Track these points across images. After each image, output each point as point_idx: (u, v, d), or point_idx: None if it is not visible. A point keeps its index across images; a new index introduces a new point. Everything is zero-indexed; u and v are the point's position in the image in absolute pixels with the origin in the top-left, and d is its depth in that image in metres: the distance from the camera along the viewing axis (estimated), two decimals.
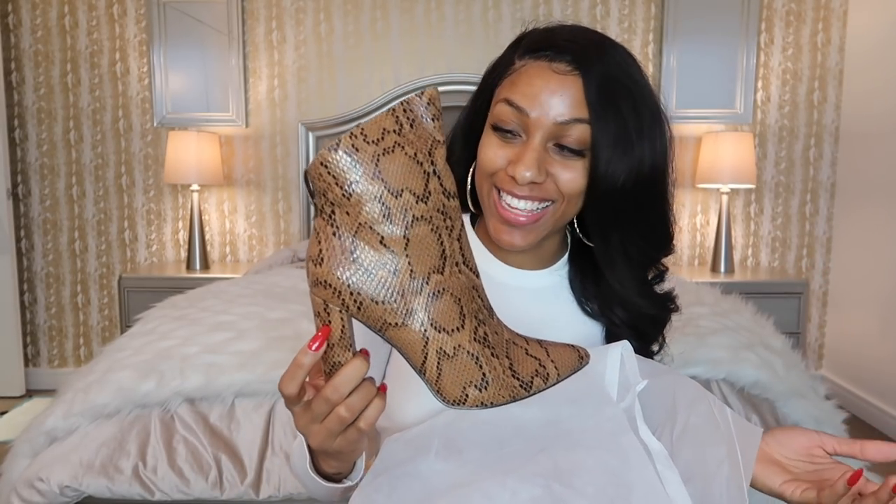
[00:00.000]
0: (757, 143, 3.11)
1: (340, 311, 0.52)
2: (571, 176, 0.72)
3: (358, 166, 0.50)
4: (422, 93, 0.52)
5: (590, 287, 0.83)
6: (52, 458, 1.28)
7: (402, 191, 0.51)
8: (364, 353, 0.54)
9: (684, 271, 3.04)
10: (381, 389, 0.56)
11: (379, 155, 0.50)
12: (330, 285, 0.51)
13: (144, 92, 3.16)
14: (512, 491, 0.57)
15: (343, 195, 0.50)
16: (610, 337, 0.83)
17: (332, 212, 0.51)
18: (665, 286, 0.86)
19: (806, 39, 3.09)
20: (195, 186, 3.00)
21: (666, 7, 3.03)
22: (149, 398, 1.35)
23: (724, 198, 2.95)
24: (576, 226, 0.80)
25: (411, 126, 0.52)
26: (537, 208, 0.74)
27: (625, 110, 0.71)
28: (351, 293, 0.51)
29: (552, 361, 0.57)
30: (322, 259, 0.51)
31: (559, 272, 0.85)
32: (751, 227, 3.19)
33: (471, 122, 0.82)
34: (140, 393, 1.35)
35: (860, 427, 2.74)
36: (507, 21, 3.09)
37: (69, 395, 1.39)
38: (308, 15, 3.12)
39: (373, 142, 0.50)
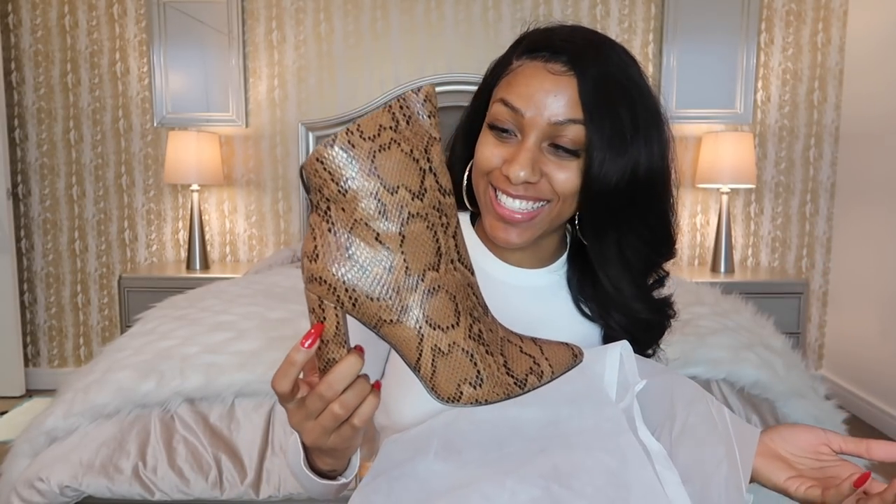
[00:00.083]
0: (757, 143, 3.11)
1: (335, 308, 0.52)
2: (566, 176, 0.72)
3: (354, 162, 0.50)
4: (418, 89, 0.52)
5: (587, 288, 0.83)
6: (52, 458, 1.28)
7: (398, 187, 0.51)
8: (358, 350, 0.54)
9: (684, 271, 3.04)
10: (376, 386, 0.56)
11: (375, 151, 0.50)
12: (325, 281, 0.51)
13: (144, 92, 3.16)
14: (511, 492, 0.57)
15: (339, 191, 0.50)
16: (608, 338, 0.83)
17: (328, 208, 0.51)
18: (663, 291, 0.85)
19: (806, 39, 3.09)
20: (195, 186, 3.00)
21: (666, 7, 3.03)
22: (149, 398, 1.35)
23: (724, 198, 2.95)
24: (576, 224, 0.80)
25: (407, 123, 0.52)
26: (532, 207, 0.74)
27: (620, 111, 0.71)
28: (346, 290, 0.51)
29: (546, 359, 0.57)
30: (317, 255, 0.51)
31: (558, 272, 0.85)
32: (751, 227, 3.19)
33: (470, 122, 0.82)
34: (140, 393, 1.35)
35: (860, 427, 2.74)
36: (507, 21, 3.09)
37: (69, 395, 1.39)
38: (308, 15, 3.12)
39: (369, 138, 0.50)
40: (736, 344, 1.53)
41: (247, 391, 1.38)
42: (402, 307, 0.52)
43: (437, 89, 2.99)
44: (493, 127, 0.74)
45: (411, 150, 0.52)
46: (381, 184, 0.51)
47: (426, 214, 0.52)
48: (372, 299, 0.52)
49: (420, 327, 0.53)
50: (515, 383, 0.55)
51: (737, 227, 3.17)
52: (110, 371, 1.42)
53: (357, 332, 0.62)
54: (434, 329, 0.53)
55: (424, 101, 0.52)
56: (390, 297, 0.52)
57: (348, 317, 0.54)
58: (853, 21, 3.04)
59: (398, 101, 0.52)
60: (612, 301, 0.80)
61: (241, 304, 1.80)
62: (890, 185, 2.77)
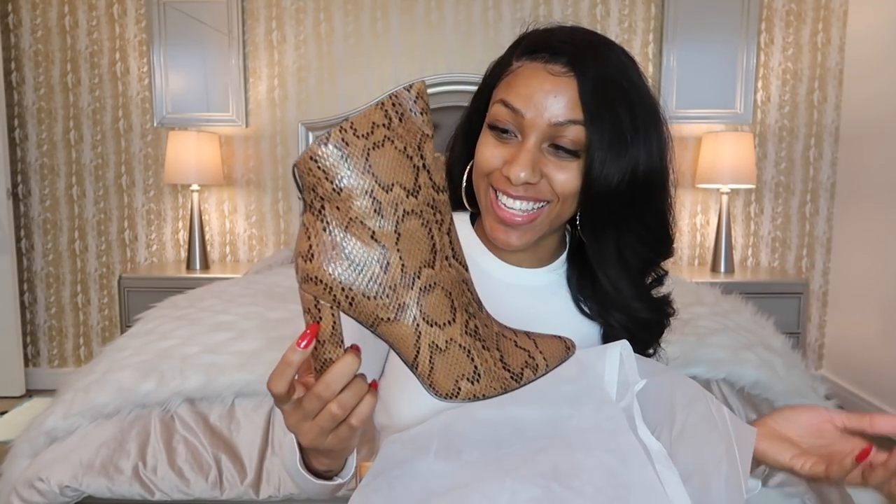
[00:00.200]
0: (757, 143, 3.11)
1: (331, 308, 0.52)
2: (566, 177, 0.73)
3: (348, 160, 0.49)
4: (410, 86, 0.52)
5: (587, 287, 0.83)
6: (52, 458, 1.28)
7: (393, 185, 0.51)
8: (355, 349, 0.53)
9: (684, 271, 3.04)
10: (373, 386, 0.56)
11: (369, 149, 0.50)
12: (321, 281, 0.51)
13: (144, 92, 3.16)
14: (511, 491, 0.57)
15: (333, 190, 0.50)
16: (607, 337, 0.83)
17: (322, 207, 0.50)
18: (662, 290, 0.86)
19: (806, 39, 3.09)
20: (195, 186, 3.00)
21: (666, 7, 3.03)
22: (149, 398, 1.35)
23: (724, 198, 2.95)
24: (577, 224, 0.81)
25: (400, 120, 0.51)
26: (533, 208, 0.74)
27: (620, 112, 0.71)
28: (342, 289, 0.51)
29: (541, 352, 0.58)
30: (312, 255, 0.51)
31: (557, 271, 0.86)
32: (751, 227, 3.19)
33: (470, 122, 0.82)
34: (140, 393, 1.35)
35: None
36: (507, 21, 3.09)
37: (69, 395, 1.39)
38: (308, 15, 3.12)
39: (362, 136, 0.50)
40: (736, 344, 1.53)
41: (247, 391, 1.38)
42: (399, 305, 0.52)
43: (438, 89, 3.00)
44: (493, 127, 0.74)
45: (405, 148, 0.52)
46: (375, 181, 0.50)
47: (421, 212, 0.52)
48: (369, 298, 0.51)
49: (417, 325, 0.53)
50: (512, 377, 0.56)
51: (737, 227, 3.17)
52: (110, 371, 1.42)
53: (355, 331, 0.62)
54: (431, 326, 0.53)
55: (416, 98, 0.52)
56: (387, 296, 0.52)
57: (344, 316, 0.53)
58: (853, 21, 3.04)
59: (390, 98, 0.51)
60: (612, 300, 0.80)
61: (241, 304, 1.80)
62: (890, 185, 2.77)
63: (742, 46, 3.03)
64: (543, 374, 0.57)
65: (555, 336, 0.60)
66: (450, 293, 0.54)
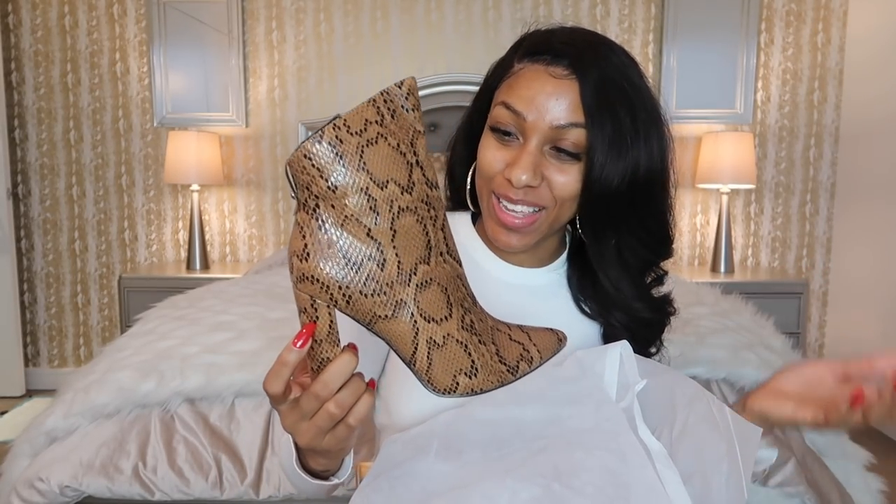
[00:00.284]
0: (757, 143, 3.11)
1: (328, 307, 0.51)
2: (566, 180, 0.73)
3: (343, 158, 0.49)
4: (401, 83, 0.52)
5: (587, 287, 0.84)
6: (52, 458, 1.28)
7: (388, 182, 0.51)
8: (352, 348, 0.53)
9: (684, 271, 3.04)
10: (370, 385, 0.56)
11: (363, 146, 0.50)
12: (317, 280, 0.50)
13: (144, 92, 3.16)
14: (512, 491, 0.57)
15: (328, 188, 0.49)
16: (607, 337, 0.83)
17: (317, 205, 0.50)
18: (662, 289, 0.86)
19: (806, 39, 3.09)
20: (195, 186, 3.00)
21: (666, 7, 3.03)
22: (149, 398, 1.35)
23: (724, 198, 2.95)
24: (577, 225, 0.81)
25: (392, 116, 0.51)
26: (532, 211, 0.74)
27: (621, 114, 0.71)
28: (339, 287, 0.51)
29: (534, 345, 0.58)
30: (308, 254, 0.50)
31: (558, 271, 0.86)
32: (751, 227, 3.19)
33: (471, 123, 0.82)
34: (140, 393, 1.35)
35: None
36: (507, 21, 3.09)
37: (69, 395, 1.39)
38: (308, 15, 3.12)
39: (356, 133, 0.50)
40: (736, 344, 1.53)
41: (247, 391, 1.38)
42: (396, 302, 0.52)
43: (438, 89, 3.00)
44: (495, 129, 0.75)
45: (398, 144, 0.51)
46: (370, 178, 0.50)
47: (415, 208, 0.52)
48: (366, 296, 0.51)
49: (415, 321, 0.53)
50: (508, 370, 0.56)
51: (737, 227, 3.17)
52: (110, 371, 1.42)
53: (354, 330, 0.62)
54: (428, 322, 0.53)
55: (408, 94, 0.52)
56: (384, 293, 0.52)
57: (340, 315, 0.53)
58: (853, 21, 3.04)
59: (382, 95, 0.51)
60: (613, 301, 0.81)
61: (241, 304, 1.80)
62: (890, 185, 2.77)
63: (742, 46, 3.03)
64: (538, 366, 0.58)
65: (547, 329, 0.61)
66: (445, 289, 0.54)
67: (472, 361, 0.55)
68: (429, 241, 0.53)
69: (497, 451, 0.63)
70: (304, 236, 0.50)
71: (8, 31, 3.12)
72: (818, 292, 3.20)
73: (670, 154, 0.77)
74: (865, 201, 2.94)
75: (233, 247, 3.26)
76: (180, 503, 1.28)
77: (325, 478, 0.68)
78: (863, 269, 2.95)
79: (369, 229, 0.51)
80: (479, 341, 0.55)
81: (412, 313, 0.53)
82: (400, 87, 0.52)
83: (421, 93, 3.01)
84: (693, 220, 3.20)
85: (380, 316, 0.52)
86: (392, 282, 0.52)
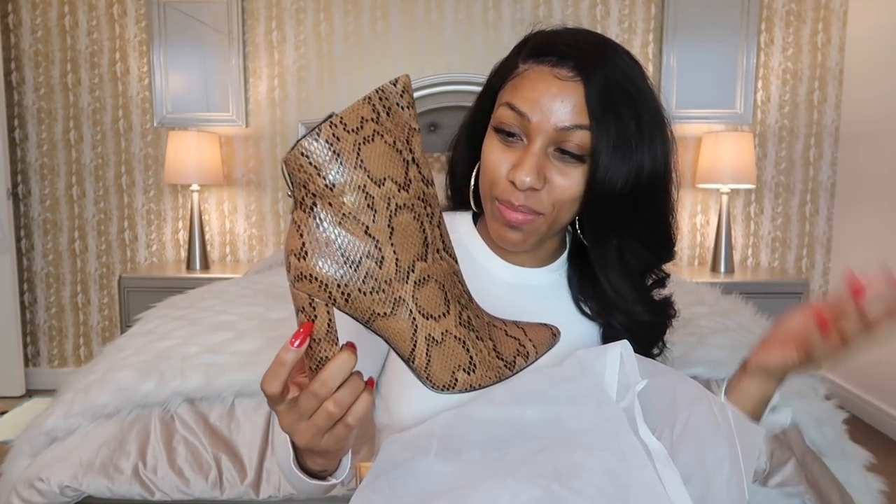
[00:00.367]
0: (757, 143, 3.11)
1: (327, 305, 0.51)
2: (567, 183, 0.73)
3: (340, 156, 0.49)
4: (395, 80, 0.52)
5: (587, 288, 0.84)
6: (52, 458, 1.28)
7: (385, 179, 0.51)
8: (351, 346, 0.53)
9: (684, 271, 3.04)
10: (369, 384, 0.55)
11: (360, 144, 0.50)
12: (316, 279, 0.50)
13: (144, 92, 3.16)
14: (512, 492, 0.57)
15: (326, 185, 0.49)
16: (607, 338, 0.83)
17: (314, 203, 0.50)
18: (664, 291, 0.86)
19: (806, 39, 3.09)
20: (195, 186, 3.00)
21: (666, 7, 3.03)
22: (149, 398, 1.35)
23: (724, 198, 2.95)
24: (577, 227, 0.81)
25: (388, 114, 0.51)
26: (528, 212, 0.74)
27: (625, 116, 0.71)
28: (338, 285, 0.50)
29: (530, 340, 0.59)
30: (306, 253, 0.50)
31: (558, 271, 0.86)
32: (751, 227, 3.19)
33: (474, 123, 0.82)
34: (140, 393, 1.35)
35: (860, 427, 2.74)
36: (507, 21, 3.09)
37: (69, 395, 1.39)
38: (308, 15, 3.12)
39: (352, 130, 0.50)
40: (736, 344, 1.53)
41: (247, 391, 1.38)
42: (395, 299, 0.52)
43: (438, 89, 3.00)
44: (499, 130, 0.74)
45: (394, 142, 0.51)
46: (367, 176, 0.50)
47: (412, 205, 0.52)
48: (365, 294, 0.51)
49: (413, 318, 0.53)
50: (505, 365, 0.56)
51: (737, 228, 3.17)
52: (110, 371, 1.42)
53: (352, 329, 0.62)
54: (427, 319, 0.53)
55: (402, 92, 0.52)
56: (383, 291, 0.52)
57: (337, 313, 0.53)
58: (853, 21, 3.04)
59: (377, 92, 0.51)
60: (613, 303, 0.81)
61: (241, 304, 1.80)
62: (890, 185, 2.77)
63: (742, 46, 3.03)
64: (534, 361, 0.59)
65: (541, 324, 0.61)
66: (443, 285, 0.54)
67: (470, 357, 0.55)
68: (426, 238, 0.53)
69: (497, 451, 0.63)
70: (301, 235, 0.50)
71: (8, 31, 3.12)
72: (818, 292, 3.20)
73: (673, 156, 0.78)
74: (865, 201, 2.94)
75: (233, 247, 3.26)
76: (180, 503, 1.28)
77: (323, 478, 0.68)
78: (863, 269, 2.95)
79: (367, 227, 0.50)
80: (477, 337, 0.56)
81: (411, 310, 0.53)
82: (395, 85, 0.52)
83: (421, 93, 3.01)
84: (693, 220, 3.20)
85: (378, 314, 0.52)
86: (390, 279, 0.52)
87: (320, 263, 0.50)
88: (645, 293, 0.82)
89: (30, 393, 3.15)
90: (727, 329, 1.63)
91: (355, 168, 0.50)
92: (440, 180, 2.84)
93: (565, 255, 0.87)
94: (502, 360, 0.57)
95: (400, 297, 0.52)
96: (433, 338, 0.54)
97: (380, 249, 0.51)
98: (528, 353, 0.58)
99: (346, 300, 0.51)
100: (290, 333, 0.53)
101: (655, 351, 0.85)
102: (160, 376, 1.38)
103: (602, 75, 0.71)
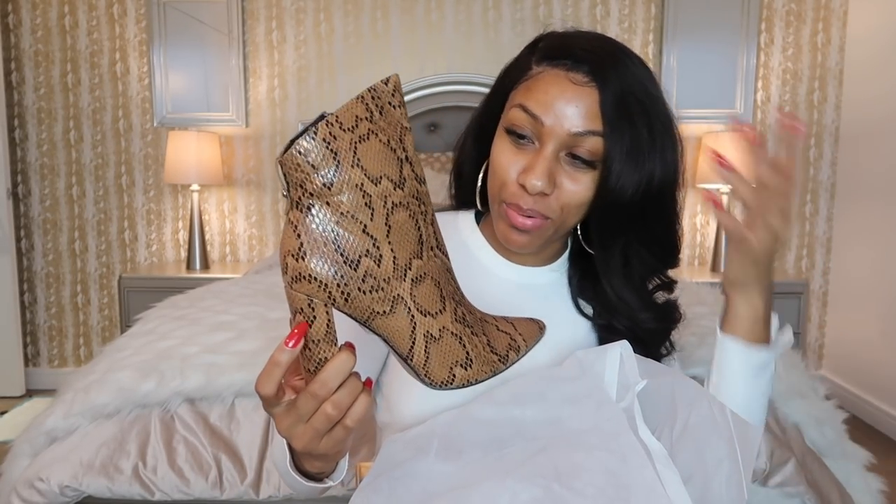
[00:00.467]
0: None
1: (326, 306, 0.51)
2: (576, 188, 0.73)
3: (337, 154, 0.49)
4: (387, 80, 0.52)
5: (587, 289, 0.84)
6: (52, 458, 1.28)
7: (381, 178, 0.51)
8: (350, 347, 0.53)
9: (684, 271, 3.04)
10: (367, 384, 0.55)
11: (356, 142, 0.50)
12: (315, 279, 0.50)
13: (144, 92, 3.16)
14: (512, 492, 0.57)
15: (323, 184, 0.49)
16: (602, 340, 0.83)
17: (311, 203, 0.49)
18: (670, 295, 0.86)
19: (806, 39, 3.09)
20: (195, 186, 3.00)
21: (666, 7, 3.03)
22: (149, 398, 1.35)
23: (725, 198, 2.95)
24: (579, 232, 0.81)
25: (380, 113, 0.51)
26: (536, 216, 0.74)
27: (638, 124, 0.71)
28: (337, 285, 0.50)
29: (520, 334, 0.60)
30: (304, 253, 0.50)
31: (559, 270, 0.86)
32: None
33: (483, 122, 0.82)
34: (140, 393, 1.35)
35: (860, 427, 2.74)
36: (507, 21, 3.09)
37: (69, 395, 1.39)
38: (308, 15, 3.12)
39: (348, 129, 0.50)
40: None
41: (247, 391, 1.38)
42: (394, 297, 0.52)
43: (438, 89, 3.00)
44: (510, 132, 0.74)
45: (388, 140, 0.52)
46: (364, 175, 0.50)
47: (407, 203, 0.53)
48: (364, 292, 0.51)
49: (412, 316, 0.53)
50: (499, 359, 0.57)
51: None
52: (110, 371, 1.42)
53: (351, 330, 0.62)
54: (424, 316, 0.54)
55: (394, 91, 0.53)
56: (382, 289, 0.52)
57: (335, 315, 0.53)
58: (853, 21, 3.04)
59: (369, 91, 0.51)
60: (615, 308, 0.81)
61: (241, 304, 1.80)
62: (890, 185, 2.77)
63: (742, 46, 3.03)
64: (525, 354, 0.60)
65: (528, 318, 0.63)
66: (438, 282, 0.55)
67: (467, 353, 0.56)
68: (420, 235, 0.54)
69: (497, 451, 0.63)
70: (298, 235, 0.50)
71: (8, 31, 3.12)
72: (818, 292, 3.20)
73: (682, 163, 0.78)
74: (865, 201, 2.94)
75: (233, 247, 3.26)
76: (180, 503, 1.28)
77: (320, 480, 0.68)
78: (863, 269, 2.95)
79: (365, 225, 0.50)
80: (472, 333, 0.56)
81: (409, 308, 0.53)
82: (386, 84, 0.52)
83: (421, 93, 3.01)
84: (693, 220, 3.20)
85: (378, 312, 0.52)
86: (388, 277, 0.52)
87: (319, 263, 0.50)
88: (649, 299, 0.82)
89: (30, 393, 3.15)
90: None
91: (352, 166, 0.50)
92: (442, 179, 2.85)
93: (567, 254, 0.87)
94: (496, 354, 0.57)
95: (398, 294, 0.52)
96: (431, 334, 0.54)
97: (378, 248, 0.51)
98: (519, 346, 0.59)
99: (346, 300, 0.51)
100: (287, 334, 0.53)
101: (663, 352, 0.85)
102: (160, 376, 1.38)
103: (617, 82, 0.71)
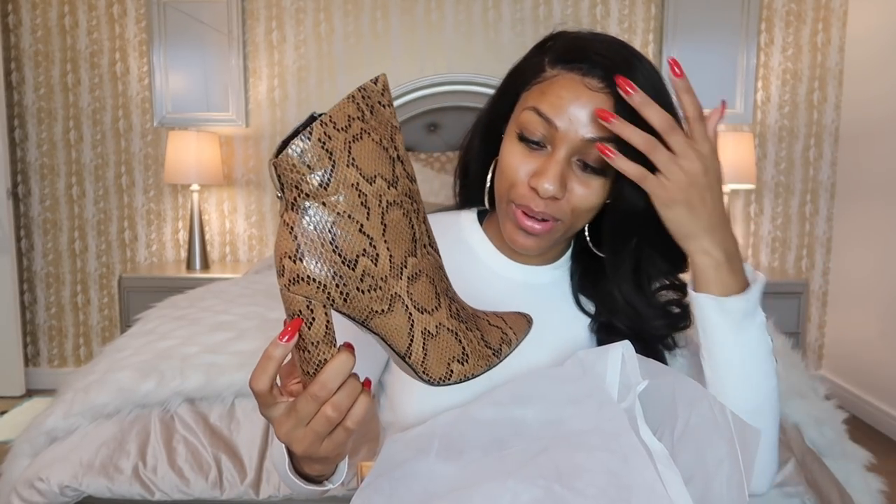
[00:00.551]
0: (757, 143, 3.11)
1: (324, 307, 0.51)
2: (586, 193, 0.73)
3: (332, 154, 0.49)
4: (375, 79, 0.52)
5: (587, 287, 0.84)
6: (52, 458, 1.28)
7: (375, 177, 0.51)
8: (349, 347, 0.52)
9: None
10: (366, 385, 0.55)
11: (350, 142, 0.50)
12: (314, 280, 0.50)
13: (144, 92, 3.16)
14: (513, 492, 0.57)
15: (319, 185, 0.49)
16: (601, 341, 0.82)
17: (307, 204, 0.49)
18: (671, 294, 0.85)
19: (806, 39, 3.09)
20: (195, 186, 2.99)
21: (666, 7, 3.03)
22: (149, 398, 1.35)
23: (724, 198, 2.95)
24: (587, 235, 0.81)
25: (371, 112, 0.52)
26: (548, 218, 0.74)
27: (652, 130, 0.71)
28: (336, 285, 0.50)
29: (510, 328, 0.61)
30: (301, 255, 0.49)
31: (562, 268, 0.86)
32: (751, 228, 3.19)
33: (490, 122, 0.82)
34: (140, 393, 1.35)
35: (860, 427, 2.74)
36: (507, 21, 3.09)
37: (69, 395, 1.39)
38: (308, 15, 3.12)
39: (342, 129, 0.50)
40: None
41: (247, 391, 1.38)
42: (392, 296, 0.52)
43: (438, 89, 3.00)
44: (522, 138, 0.74)
45: (380, 139, 0.52)
46: (360, 174, 0.50)
47: (401, 202, 0.53)
48: (363, 292, 0.51)
49: (410, 313, 0.53)
50: (493, 353, 0.58)
51: (737, 228, 3.17)
52: (110, 371, 1.42)
53: (349, 332, 0.62)
54: (422, 313, 0.54)
55: (383, 90, 0.53)
56: (380, 288, 0.52)
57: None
58: (853, 21, 3.04)
59: (359, 91, 0.51)
60: (622, 312, 0.80)
61: (241, 304, 1.80)
62: (890, 185, 2.77)
63: (742, 46, 3.03)
64: (516, 347, 0.61)
65: (516, 312, 0.64)
66: (432, 280, 0.55)
67: (463, 348, 0.56)
68: (414, 233, 0.54)
69: (498, 451, 0.63)
70: (295, 237, 0.49)
71: (8, 31, 3.12)
72: (818, 292, 3.20)
73: None
74: (865, 201, 2.94)
75: (233, 247, 3.26)
76: (180, 503, 1.28)
77: (320, 482, 0.68)
78: (863, 269, 2.95)
79: (361, 225, 0.50)
80: (467, 328, 0.57)
81: (407, 306, 0.53)
82: (375, 84, 0.52)
83: (421, 93, 3.01)
84: None
85: (376, 311, 0.52)
86: (386, 276, 0.52)
87: (317, 264, 0.49)
88: (658, 306, 0.81)
89: (30, 393, 3.15)
90: None
91: (347, 166, 0.50)
92: (442, 180, 2.83)
93: (569, 252, 0.87)
94: (490, 348, 0.58)
95: (396, 293, 0.53)
96: (428, 331, 0.54)
97: (374, 247, 0.51)
98: (510, 340, 0.60)
99: (345, 300, 0.51)
100: None
101: (665, 349, 0.85)
102: (160, 376, 1.38)
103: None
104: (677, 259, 0.80)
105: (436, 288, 0.55)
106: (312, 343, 0.51)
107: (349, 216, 0.50)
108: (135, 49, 3.14)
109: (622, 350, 0.67)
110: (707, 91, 3.04)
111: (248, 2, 3.11)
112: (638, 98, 0.66)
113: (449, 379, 0.55)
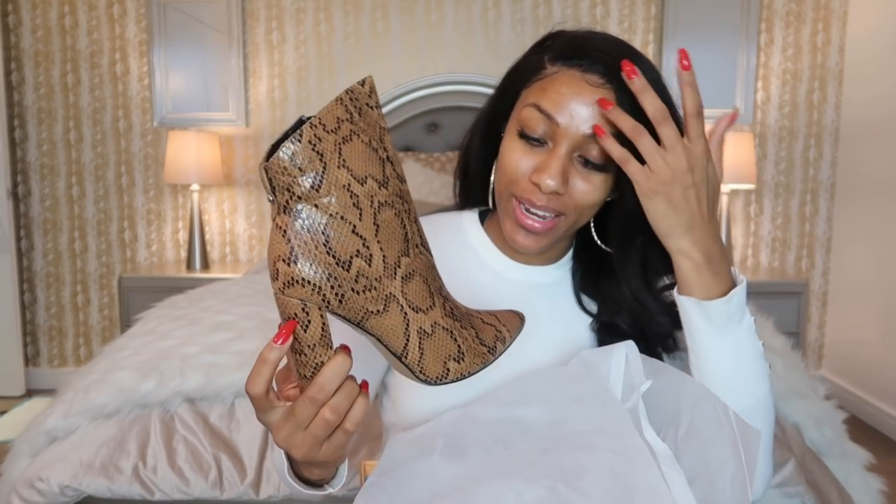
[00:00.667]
0: (757, 143, 3.11)
1: (320, 309, 0.51)
2: (588, 189, 0.73)
3: (323, 156, 0.49)
4: (363, 81, 0.53)
5: (589, 286, 0.84)
6: (52, 457, 1.28)
7: (366, 178, 0.51)
8: (345, 349, 0.52)
9: None
10: (363, 387, 0.55)
11: (340, 144, 0.50)
12: (309, 282, 0.50)
13: (144, 92, 3.16)
14: (516, 492, 0.57)
15: (311, 187, 0.49)
16: (601, 342, 0.82)
17: (299, 206, 0.49)
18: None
19: (806, 39, 3.09)
20: (195, 186, 2.99)
21: (666, 7, 3.03)
22: (149, 398, 1.35)
23: (724, 198, 2.95)
24: (593, 231, 0.81)
25: (359, 114, 0.52)
26: (552, 216, 0.74)
27: (649, 124, 0.71)
28: (331, 287, 0.50)
29: (504, 326, 0.61)
30: (295, 257, 0.49)
31: (564, 267, 0.86)
32: (751, 228, 3.19)
33: (490, 121, 0.82)
34: (140, 393, 1.35)
35: (860, 427, 2.74)
36: (507, 21, 3.09)
37: (69, 395, 1.39)
38: (308, 15, 3.12)
39: (331, 131, 0.50)
40: None
41: None
42: (386, 296, 0.53)
43: (438, 89, 3.00)
44: (523, 135, 0.74)
45: (370, 141, 0.52)
46: (351, 175, 0.50)
47: (392, 202, 0.53)
48: (358, 293, 0.51)
49: (405, 313, 0.54)
50: (488, 351, 0.58)
51: (737, 228, 3.17)
52: (110, 371, 1.42)
53: (346, 335, 0.61)
54: (417, 312, 0.54)
55: (370, 92, 0.53)
56: (374, 288, 0.52)
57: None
58: (853, 22, 3.04)
59: (347, 93, 0.52)
60: (629, 310, 0.80)
61: (241, 304, 1.80)
62: (890, 185, 2.77)
63: (742, 46, 3.03)
64: (510, 345, 0.61)
65: (509, 310, 0.64)
66: (426, 279, 0.55)
67: (458, 346, 0.56)
68: (406, 233, 0.54)
69: (502, 451, 0.63)
70: (288, 240, 0.49)
71: (8, 31, 3.12)
72: (818, 292, 3.21)
73: None
74: (865, 201, 2.94)
75: (233, 247, 3.25)
76: (180, 503, 1.27)
77: (320, 486, 0.68)
78: (863, 269, 2.95)
79: (354, 226, 0.51)
80: (461, 326, 0.57)
81: (401, 305, 0.53)
82: (362, 86, 0.53)
83: (421, 93, 3.01)
84: None
85: (371, 312, 0.52)
86: (380, 276, 0.52)
87: (311, 267, 0.49)
88: (666, 303, 0.81)
89: (30, 393, 3.14)
90: None
91: (339, 168, 0.50)
92: (442, 180, 2.83)
93: (571, 251, 0.87)
94: (485, 346, 0.58)
95: (390, 293, 0.53)
96: (424, 330, 0.54)
97: (368, 248, 0.51)
98: (504, 337, 0.61)
99: (340, 301, 0.51)
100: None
101: (666, 349, 0.84)
102: (160, 376, 1.38)
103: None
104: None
105: (429, 287, 0.55)
106: (309, 346, 0.51)
107: (342, 217, 0.50)
108: (135, 49, 3.14)
109: (626, 350, 0.67)
110: (707, 91, 3.03)
111: (248, 2, 3.11)
112: (639, 83, 0.66)
113: (446, 378, 0.55)
